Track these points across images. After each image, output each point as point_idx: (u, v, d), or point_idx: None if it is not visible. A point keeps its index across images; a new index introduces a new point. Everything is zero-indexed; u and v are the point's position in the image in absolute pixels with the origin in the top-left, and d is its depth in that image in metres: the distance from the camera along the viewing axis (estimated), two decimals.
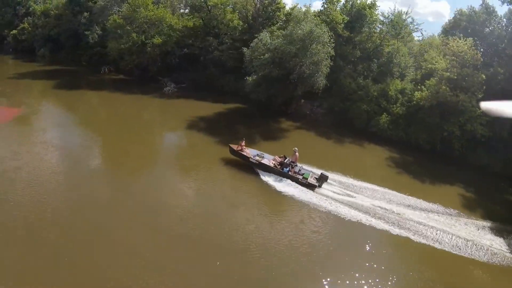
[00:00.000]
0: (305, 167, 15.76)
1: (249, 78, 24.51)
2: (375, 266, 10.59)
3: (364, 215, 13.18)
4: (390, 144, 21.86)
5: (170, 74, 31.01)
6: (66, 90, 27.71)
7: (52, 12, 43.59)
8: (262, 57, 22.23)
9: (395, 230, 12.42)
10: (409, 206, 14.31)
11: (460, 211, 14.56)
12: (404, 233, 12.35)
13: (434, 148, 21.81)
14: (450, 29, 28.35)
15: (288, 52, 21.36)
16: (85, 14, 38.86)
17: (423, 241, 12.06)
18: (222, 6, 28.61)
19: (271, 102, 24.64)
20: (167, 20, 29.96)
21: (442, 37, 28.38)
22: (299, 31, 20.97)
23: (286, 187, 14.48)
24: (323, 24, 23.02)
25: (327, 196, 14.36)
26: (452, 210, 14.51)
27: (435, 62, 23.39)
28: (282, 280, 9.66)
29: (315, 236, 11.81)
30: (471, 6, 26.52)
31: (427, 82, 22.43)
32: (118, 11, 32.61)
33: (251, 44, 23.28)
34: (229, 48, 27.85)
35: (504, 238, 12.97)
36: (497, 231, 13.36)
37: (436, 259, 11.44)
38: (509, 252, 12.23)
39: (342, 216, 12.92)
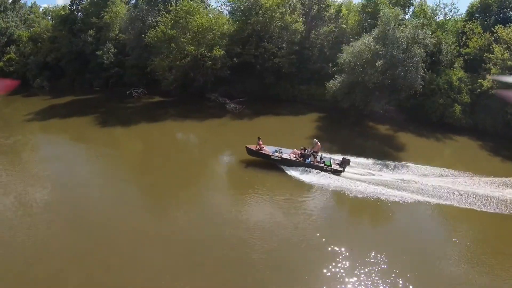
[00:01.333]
0: (325, 155, 16.09)
1: (331, 84, 24.01)
2: None
3: None
4: (461, 132, 22.97)
5: (216, 88, 28.86)
6: (101, 127, 22.51)
7: (44, 35, 37.59)
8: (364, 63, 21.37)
9: None
10: None
11: None
12: None
13: (497, 131, 23.64)
14: (476, 13, 30.04)
15: (393, 57, 20.79)
16: (91, 31, 34.17)
17: None
18: (279, 9, 26.30)
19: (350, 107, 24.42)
20: (220, 26, 26.43)
21: (465, 20, 29.56)
22: (403, 35, 20.71)
23: (314, 177, 14.70)
24: (424, 26, 22.64)
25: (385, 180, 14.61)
26: None
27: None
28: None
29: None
30: None
31: (493, 70, 23.93)
32: (154, 21, 28.75)
33: (352, 49, 21.94)
34: (289, 53, 26.61)
35: None
36: None
37: None
38: None
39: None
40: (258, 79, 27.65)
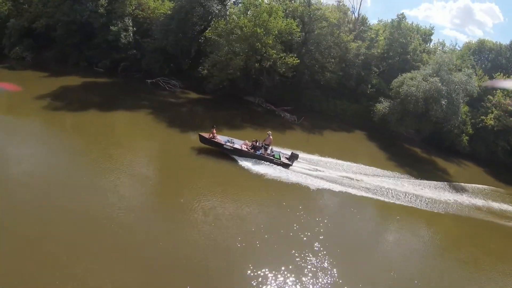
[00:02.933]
0: (275, 148, 16.72)
1: (380, 107, 25.64)
2: None
3: None
4: (463, 156, 27.43)
5: (253, 91, 27.68)
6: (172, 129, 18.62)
7: None
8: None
9: None
10: None
11: None
12: None
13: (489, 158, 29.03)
14: (471, 54, 35.47)
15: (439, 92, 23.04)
16: (102, 1, 28.70)
17: None
18: (334, 27, 26.34)
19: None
20: (279, 26, 24.24)
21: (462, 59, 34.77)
22: (455, 79, 23.26)
23: (264, 168, 15.18)
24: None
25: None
26: None
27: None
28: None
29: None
30: (499, 43, 34.10)
31: (495, 112, 28.75)
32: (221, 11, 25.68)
33: (417, 83, 23.59)
34: (338, 70, 27.12)
35: None
36: None
37: None
38: None
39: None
40: (299, 89, 27.65)
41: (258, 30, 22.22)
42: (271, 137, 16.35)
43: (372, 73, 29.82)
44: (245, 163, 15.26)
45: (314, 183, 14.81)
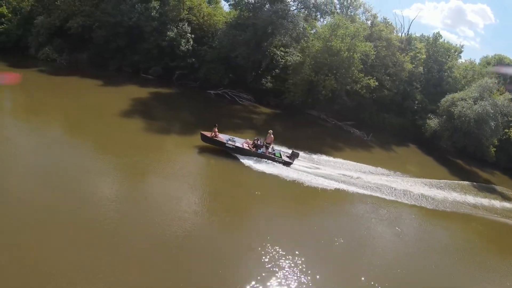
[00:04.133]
0: (275, 147, 17.02)
1: (431, 123, 27.68)
2: None
3: None
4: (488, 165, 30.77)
5: (313, 106, 28.17)
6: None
7: None
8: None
9: None
10: None
11: None
12: None
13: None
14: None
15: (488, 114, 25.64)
16: (154, 3, 27.02)
17: None
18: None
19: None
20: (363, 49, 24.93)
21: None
22: (498, 102, 26.05)
23: (266, 166, 15.42)
24: None
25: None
26: None
27: None
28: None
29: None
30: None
31: None
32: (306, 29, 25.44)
33: (469, 105, 25.58)
34: (394, 87, 28.52)
35: None
36: None
37: None
38: None
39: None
40: (359, 104, 28.72)
41: (353, 55, 22.87)
42: (272, 135, 16.53)
43: (414, 88, 31.89)
44: (247, 161, 15.34)
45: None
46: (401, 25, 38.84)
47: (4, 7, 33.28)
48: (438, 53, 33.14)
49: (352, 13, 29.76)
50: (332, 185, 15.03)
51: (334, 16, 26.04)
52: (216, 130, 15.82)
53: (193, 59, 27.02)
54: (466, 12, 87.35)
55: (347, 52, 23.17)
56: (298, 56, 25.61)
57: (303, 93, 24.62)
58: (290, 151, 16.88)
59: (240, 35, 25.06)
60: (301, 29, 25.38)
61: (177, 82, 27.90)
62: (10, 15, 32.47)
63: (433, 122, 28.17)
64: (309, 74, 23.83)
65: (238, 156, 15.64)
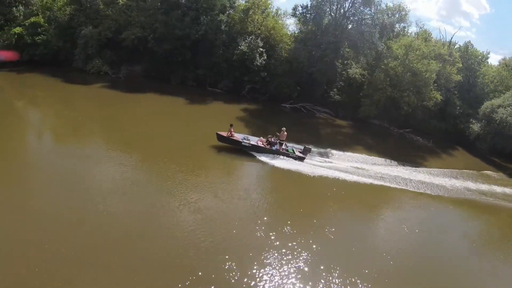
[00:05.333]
0: (287, 143, 17.76)
1: (474, 127, 30.63)
2: None
3: None
4: None
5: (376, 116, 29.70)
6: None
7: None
8: None
9: None
10: None
11: None
12: None
13: None
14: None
15: None
16: (222, 16, 26.66)
17: None
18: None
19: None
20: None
21: None
22: None
23: (282, 162, 16.28)
24: None
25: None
26: None
27: None
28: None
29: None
30: None
31: None
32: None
33: (502, 110, 27.90)
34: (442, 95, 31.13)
35: None
36: None
37: None
38: None
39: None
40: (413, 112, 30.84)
41: (432, 75, 24.76)
42: (285, 132, 17.13)
43: (453, 94, 34.79)
44: (263, 158, 16.23)
45: None
46: (443, 36, 40.97)
47: (40, 16, 30.87)
48: (470, 60, 36.24)
49: (406, 29, 31.55)
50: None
51: (406, 35, 27.58)
52: (232, 130, 16.35)
53: (265, 73, 27.24)
54: (461, 3, 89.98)
55: (428, 73, 25.00)
56: (357, 68, 27.12)
57: (381, 107, 26.11)
58: (302, 147, 17.59)
59: (316, 51, 25.75)
60: (380, 47, 26.61)
61: (248, 96, 28.06)
62: (46, 25, 30.40)
63: (475, 126, 31.22)
64: (390, 91, 25.36)
65: (254, 153, 16.40)
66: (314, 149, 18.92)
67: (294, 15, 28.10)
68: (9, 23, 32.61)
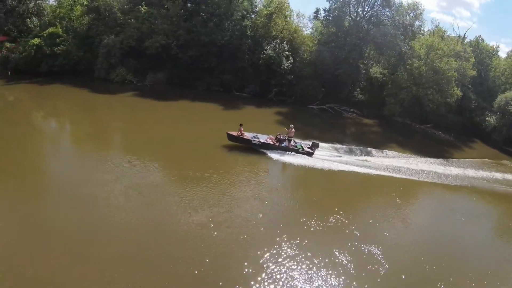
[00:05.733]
0: (297, 140, 18.20)
1: (490, 120, 31.65)
2: None
3: None
4: None
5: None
6: None
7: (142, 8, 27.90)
8: None
9: None
10: None
11: None
12: None
13: None
14: None
15: None
16: (246, 21, 27.01)
17: None
18: None
19: None
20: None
21: None
22: None
23: (291, 158, 16.83)
24: None
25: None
26: None
27: None
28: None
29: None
30: None
31: None
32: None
33: None
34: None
35: None
36: None
37: None
38: None
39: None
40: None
41: (454, 74, 25.58)
42: (293, 129, 17.57)
43: (467, 89, 35.78)
44: (273, 155, 16.74)
45: None
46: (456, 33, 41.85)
47: (58, 26, 30.81)
48: (482, 54, 37.29)
49: (422, 28, 32.33)
50: None
51: (422, 34, 28.32)
52: (242, 129, 16.82)
53: (292, 76, 27.70)
54: None
55: (450, 71, 25.81)
56: (377, 68, 27.78)
57: (406, 105, 26.87)
58: (310, 143, 17.98)
59: (341, 53, 26.33)
60: (404, 49, 27.29)
61: (275, 99, 28.51)
62: (64, 35, 30.38)
63: (491, 119, 32.25)
64: (415, 90, 26.11)
65: (264, 150, 16.89)
66: (355, 148, 19.66)
67: (316, 18, 28.53)
68: (23, 35, 32.59)
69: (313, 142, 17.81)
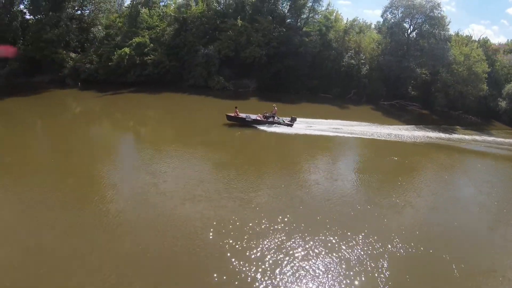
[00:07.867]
0: (278, 116, 23.15)
1: (502, 104, 41.57)
2: None
3: None
4: None
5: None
6: None
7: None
8: None
9: None
10: None
11: None
12: None
13: None
14: None
15: None
16: (331, 35, 34.33)
17: None
18: None
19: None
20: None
21: None
22: None
23: (276, 129, 22.27)
24: None
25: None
26: None
27: None
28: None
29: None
30: None
31: None
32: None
33: None
34: None
35: None
36: None
37: None
38: None
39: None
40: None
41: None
42: (276, 108, 23.19)
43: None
44: (262, 128, 22.30)
45: None
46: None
47: (147, 36, 33.53)
48: (489, 52, 46.93)
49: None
50: None
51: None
52: (237, 110, 22.15)
53: (367, 80, 35.24)
54: None
55: (483, 74, 34.76)
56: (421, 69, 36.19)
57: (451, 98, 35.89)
58: (289, 118, 23.06)
59: (403, 62, 34.26)
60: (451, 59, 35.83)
61: (353, 98, 35.97)
62: (152, 45, 33.01)
63: (503, 103, 42.12)
64: (460, 87, 34.94)
65: (255, 125, 22.27)
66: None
67: (379, 31, 35.95)
68: (87, 45, 33.89)
69: (291, 117, 22.87)
